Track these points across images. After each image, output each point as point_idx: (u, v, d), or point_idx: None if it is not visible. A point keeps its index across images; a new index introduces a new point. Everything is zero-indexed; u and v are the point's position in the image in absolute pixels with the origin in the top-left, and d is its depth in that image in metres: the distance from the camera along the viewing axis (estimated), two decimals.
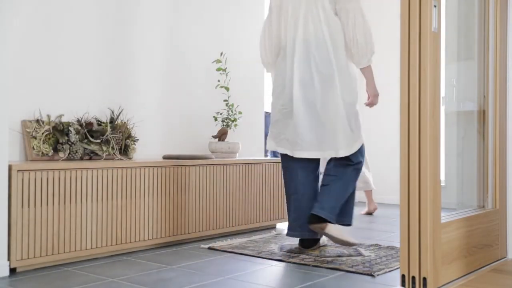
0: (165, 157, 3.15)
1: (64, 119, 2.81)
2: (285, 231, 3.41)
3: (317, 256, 2.61)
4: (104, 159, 2.81)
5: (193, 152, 3.54)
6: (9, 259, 2.27)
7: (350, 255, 2.63)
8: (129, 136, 3.01)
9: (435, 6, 1.95)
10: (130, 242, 2.72)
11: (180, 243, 2.99)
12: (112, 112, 3.02)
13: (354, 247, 2.77)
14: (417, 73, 1.94)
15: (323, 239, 2.87)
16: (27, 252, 2.32)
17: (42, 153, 2.64)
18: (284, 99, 2.72)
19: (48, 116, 2.73)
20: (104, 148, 2.83)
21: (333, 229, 2.60)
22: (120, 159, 2.88)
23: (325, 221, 2.59)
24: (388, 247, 2.86)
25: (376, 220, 3.95)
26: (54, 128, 2.71)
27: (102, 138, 2.84)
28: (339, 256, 2.62)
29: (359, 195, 4.71)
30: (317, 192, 2.73)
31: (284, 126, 2.73)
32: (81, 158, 2.73)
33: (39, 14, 2.80)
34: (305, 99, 2.66)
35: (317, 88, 2.64)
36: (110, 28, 3.12)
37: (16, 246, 2.28)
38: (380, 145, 5.01)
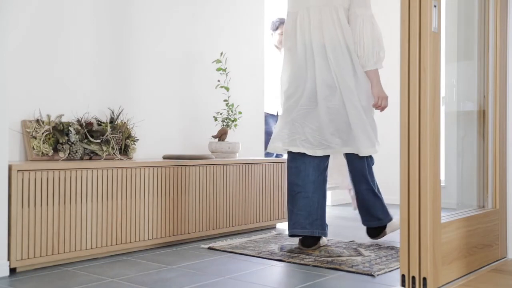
0: (165, 157, 3.15)
1: (64, 119, 2.81)
2: (286, 231, 3.42)
3: (317, 256, 2.61)
4: (104, 159, 2.82)
5: (193, 152, 3.54)
6: (9, 259, 2.27)
7: (350, 255, 2.64)
8: (129, 136, 3.01)
9: (435, 6, 1.95)
10: (130, 242, 2.72)
11: (180, 243, 2.99)
12: (112, 112, 3.02)
13: (354, 247, 2.78)
14: (417, 73, 1.94)
15: (323, 240, 2.88)
16: (27, 252, 2.32)
17: (42, 153, 2.64)
18: (304, 99, 2.80)
19: (48, 116, 2.73)
20: (104, 148, 2.83)
21: (391, 226, 2.99)
22: (120, 159, 2.88)
23: (384, 226, 2.98)
24: (388, 247, 2.86)
25: None
26: (54, 128, 2.71)
27: (102, 138, 2.84)
28: (339, 256, 2.62)
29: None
30: (325, 192, 2.85)
31: (301, 126, 2.80)
32: (81, 158, 2.73)
33: (39, 14, 2.80)
34: (328, 101, 2.76)
35: (338, 90, 2.76)
36: (110, 28, 3.12)
37: (16, 246, 2.28)
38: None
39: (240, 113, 3.64)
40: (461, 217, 2.18)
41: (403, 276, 1.96)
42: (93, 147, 2.79)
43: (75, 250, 2.49)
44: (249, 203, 3.39)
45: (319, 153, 2.77)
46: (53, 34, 2.85)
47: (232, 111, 3.58)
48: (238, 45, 3.92)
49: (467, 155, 2.63)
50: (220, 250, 2.80)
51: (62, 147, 2.68)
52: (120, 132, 2.96)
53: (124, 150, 2.99)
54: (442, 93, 2.05)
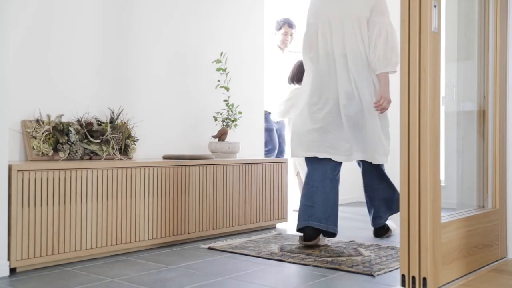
0: (165, 157, 3.15)
1: (64, 119, 2.81)
2: (286, 231, 3.42)
3: (317, 256, 2.61)
4: (104, 159, 2.81)
5: (193, 152, 3.54)
6: (9, 259, 2.27)
7: (350, 255, 2.64)
8: (129, 136, 3.01)
9: (435, 6, 1.95)
10: (130, 242, 2.72)
11: (180, 243, 2.99)
12: (112, 112, 3.02)
13: (354, 247, 2.78)
14: (417, 73, 1.94)
15: (323, 240, 2.88)
16: (27, 252, 2.32)
17: (42, 153, 2.64)
18: (328, 108, 2.92)
19: (48, 116, 2.73)
20: (104, 148, 2.83)
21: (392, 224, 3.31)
22: (120, 159, 2.88)
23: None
24: (388, 247, 2.86)
25: None
26: (54, 128, 2.71)
27: (102, 138, 2.84)
28: (339, 256, 2.62)
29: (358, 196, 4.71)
30: (338, 192, 2.98)
31: (324, 132, 2.93)
32: (81, 158, 2.73)
33: (40, 14, 2.80)
34: (347, 110, 2.88)
35: (356, 99, 2.89)
36: (110, 28, 3.12)
37: (16, 246, 2.28)
38: None
39: (240, 113, 3.64)
40: (461, 217, 2.18)
41: (403, 276, 1.96)
42: (93, 147, 2.79)
43: (75, 250, 2.49)
44: (249, 203, 3.39)
45: (343, 159, 2.93)
46: (53, 34, 2.85)
47: (232, 111, 3.58)
48: (238, 45, 3.92)
49: (467, 155, 2.63)
50: (220, 250, 2.80)
51: (62, 147, 2.68)
52: (120, 132, 2.96)
53: (124, 150, 2.99)
54: (442, 93, 2.05)
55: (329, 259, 2.56)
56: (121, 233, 2.68)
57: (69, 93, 2.91)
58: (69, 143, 2.70)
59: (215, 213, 3.17)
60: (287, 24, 4.84)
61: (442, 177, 2.11)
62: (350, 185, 4.83)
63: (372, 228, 3.33)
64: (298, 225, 2.88)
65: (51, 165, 2.42)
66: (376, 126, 2.90)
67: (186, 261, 2.56)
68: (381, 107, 2.84)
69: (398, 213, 3.00)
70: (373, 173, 3.15)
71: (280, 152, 4.75)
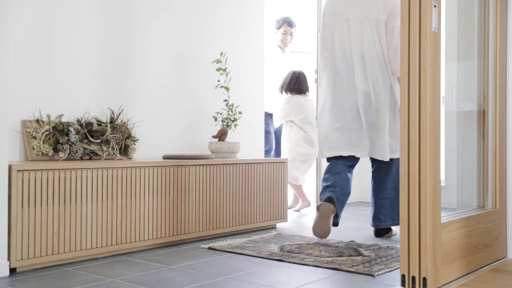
0: (165, 157, 3.15)
1: (64, 119, 2.81)
2: (286, 231, 3.42)
3: (317, 256, 2.61)
4: (104, 159, 2.81)
5: (193, 152, 3.54)
6: (9, 259, 2.27)
7: (350, 255, 2.64)
8: (129, 136, 3.01)
9: (435, 6, 1.95)
10: (130, 242, 2.72)
11: (180, 243, 2.99)
12: (112, 112, 3.02)
13: (354, 247, 2.78)
14: (417, 73, 1.94)
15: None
16: (27, 252, 2.32)
17: (42, 153, 2.64)
18: (349, 108, 3.06)
19: (48, 116, 2.73)
20: (104, 148, 2.83)
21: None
22: (120, 159, 2.88)
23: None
24: (388, 247, 2.86)
25: None
26: (54, 128, 2.71)
27: (102, 138, 2.84)
28: (339, 256, 2.62)
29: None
30: (350, 183, 3.17)
31: (346, 131, 3.08)
32: (81, 158, 2.73)
33: (40, 14, 2.80)
34: (365, 109, 3.03)
35: (373, 99, 3.03)
36: (110, 28, 3.12)
37: (16, 246, 2.28)
38: None
39: (240, 113, 3.64)
40: (461, 217, 2.18)
41: (403, 276, 1.96)
42: (93, 147, 2.79)
43: (75, 250, 2.49)
44: (249, 203, 3.39)
45: (364, 155, 3.09)
46: (53, 34, 2.85)
47: (232, 111, 3.58)
48: (238, 45, 3.92)
49: (467, 155, 2.63)
50: (220, 250, 2.80)
51: (62, 147, 2.68)
52: (120, 132, 2.96)
53: (124, 150, 2.99)
54: (442, 93, 2.05)
55: (329, 259, 2.56)
56: (121, 233, 2.68)
57: (69, 93, 2.91)
58: (69, 143, 2.70)
59: (215, 213, 3.17)
60: (287, 23, 4.83)
61: (442, 177, 2.11)
62: None
63: (372, 228, 3.33)
64: (322, 197, 3.10)
65: (51, 165, 2.42)
66: (391, 126, 3.04)
67: (186, 261, 2.56)
68: None
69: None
70: (382, 173, 3.19)
71: (277, 154, 4.78)
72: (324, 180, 3.16)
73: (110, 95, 3.09)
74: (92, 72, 3.03)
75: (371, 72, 3.01)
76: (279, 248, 2.81)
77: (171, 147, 3.43)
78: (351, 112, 3.06)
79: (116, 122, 2.99)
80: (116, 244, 2.66)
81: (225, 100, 3.59)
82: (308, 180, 4.85)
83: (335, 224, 3.10)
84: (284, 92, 4.61)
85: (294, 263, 2.51)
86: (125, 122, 3.02)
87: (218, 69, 3.53)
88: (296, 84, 4.56)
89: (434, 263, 1.93)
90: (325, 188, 3.11)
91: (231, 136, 3.68)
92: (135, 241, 2.74)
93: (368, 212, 4.33)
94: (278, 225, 3.66)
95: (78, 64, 2.96)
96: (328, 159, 3.21)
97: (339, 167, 3.13)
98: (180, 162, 2.99)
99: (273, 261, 2.55)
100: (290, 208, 4.58)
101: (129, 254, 2.70)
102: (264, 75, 4.19)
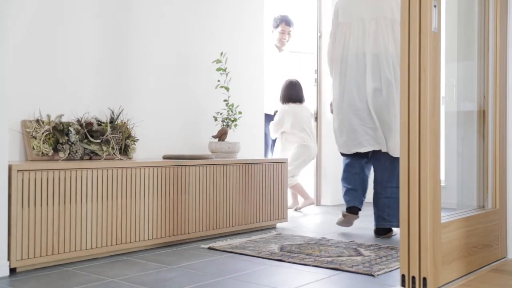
0: (165, 157, 3.15)
1: (64, 119, 2.81)
2: (286, 231, 3.42)
3: (317, 256, 2.61)
4: (104, 159, 2.81)
5: (193, 152, 3.54)
6: (9, 259, 2.27)
7: (350, 255, 2.64)
8: (129, 136, 3.01)
9: (435, 6, 1.95)
10: (130, 242, 2.72)
11: (180, 243, 2.99)
12: (112, 112, 3.02)
13: (354, 247, 2.78)
14: (417, 73, 1.94)
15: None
16: (27, 252, 2.32)
17: (42, 153, 2.64)
18: (361, 105, 3.14)
19: (48, 116, 2.73)
20: (104, 148, 2.83)
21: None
22: (120, 159, 2.88)
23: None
24: (388, 247, 2.86)
25: None
26: (54, 128, 2.71)
27: (102, 138, 2.84)
28: (339, 256, 2.62)
29: None
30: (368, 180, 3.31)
31: (361, 127, 3.15)
32: (81, 158, 2.73)
33: (40, 14, 2.80)
34: (376, 105, 3.11)
35: (384, 96, 3.10)
36: (110, 28, 3.12)
37: (16, 246, 2.28)
38: None
39: (240, 113, 3.64)
40: (461, 217, 2.18)
41: (403, 276, 1.96)
42: (93, 147, 2.79)
43: (75, 250, 2.49)
44: (249, 203, 3.39)
45: (377, 147, 3.16)
46: (53, 34, 2.85)
47: (232, 111, 3.58)
48: (238, 45, 3.92)
49: (467, 155, 2.63)
50: (220, 250, 2.80)
51: (62, 147, 2.68)
52: (120, 132, 2.96)
53: (124, 150, 2.99)
54: (442, 93, 2.05)
55: (329, 259, 2.56)
56: (121, 233, 2.68)
57: (69, 93, 2.91)
58: (69, 143, 2.70)
59: (215, 213, 3.17)
60: (285, 22, 4.76)
61: (442, 177, 2.11)
62: None
63: (372, 228, 3.33)
64: (346, 203, 3.30)
65: (51, 165, 2.42)
66: (397, 122, 3.09)
67: (186, 261, 2.56)
68: None
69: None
70: (387, 172, 3.21)
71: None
72: (344, 179, 3.29)
73: (110, 95, 3.09)
74: (92, 72, 3.02)
75: (387, 70, 3.08)
76: (279, 248, 2.81)
77: (171, 147, 3.43)
78: (364, 110, 3.13)
79: (116, 122, 2.99)
80: (116, 244, 2.66)
81: (225, 100, 3.59)
82: (308, 180, 4.85)
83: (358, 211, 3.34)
84: (285, 103, 4.62)
85: (294, 263, 2.51)
86: (125, 122, 3.02)
87: (218, 69, 3.53)
88: (291, 94, 4.58)
89: (434, 263, 1.93)
90: (347, 192, 3.27)
91: (231, 136, 3.68)
92: (135, 241, 2.74)
93: (369, 212, 4.33)
94: (278, 225, 3.66)
95: (78, 64, 2.96)
96: (343, 154, 3.32)
97: (358, 166, 3.25)
98: (180, 162, 2.99)
99: (273, 261, 2.55)
100: (290, 208, 4.58)
101: (129, 254, 2.70)
102: (264, 75, 4.19)
